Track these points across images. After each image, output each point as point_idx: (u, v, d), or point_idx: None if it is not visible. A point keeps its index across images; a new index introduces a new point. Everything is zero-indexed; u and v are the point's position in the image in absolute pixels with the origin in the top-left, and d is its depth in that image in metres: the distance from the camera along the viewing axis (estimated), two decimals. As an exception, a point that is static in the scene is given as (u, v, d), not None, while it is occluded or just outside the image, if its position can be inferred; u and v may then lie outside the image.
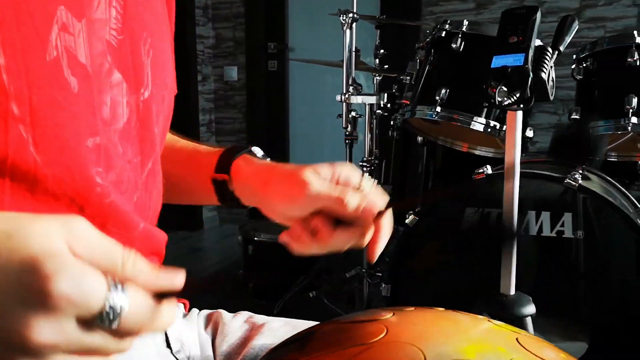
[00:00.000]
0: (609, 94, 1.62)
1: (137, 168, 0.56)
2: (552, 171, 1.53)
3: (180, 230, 3.75)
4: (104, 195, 0.50)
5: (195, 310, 0.69)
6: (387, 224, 0.55)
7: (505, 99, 0.59)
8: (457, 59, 1.66)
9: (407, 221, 1.59)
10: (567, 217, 1.45)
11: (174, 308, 0.38)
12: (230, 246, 3.48)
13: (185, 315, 0.68)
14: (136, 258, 0.36)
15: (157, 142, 0.59)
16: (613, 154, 1.82)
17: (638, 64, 1.52)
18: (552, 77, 0.63)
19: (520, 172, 1.55)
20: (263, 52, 3.94)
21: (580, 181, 1.43)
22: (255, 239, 2.47)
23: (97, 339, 0.33)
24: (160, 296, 0.37)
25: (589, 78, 1.66)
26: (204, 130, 3.99)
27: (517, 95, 0.59)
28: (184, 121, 3.73)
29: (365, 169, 2.15)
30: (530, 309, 0.75)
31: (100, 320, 0.32)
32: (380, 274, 2.11)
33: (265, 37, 3.92)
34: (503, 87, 0.59)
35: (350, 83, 2.07)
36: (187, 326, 0.64)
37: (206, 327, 0.66)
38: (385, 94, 2.03)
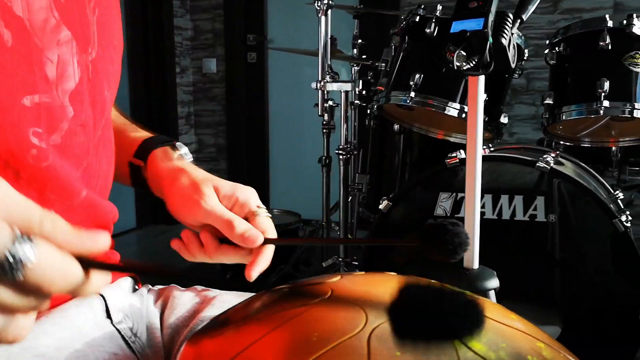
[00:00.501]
0: (582, 78, 1.62)
1: (90, 132, 0.54)
2: (525, 155, 1.53)
3: (159, 224, 3.71)
4: (41, 158, 0.48)
5: (146, 287, 0.67)
6: (268, 253, 0.57)
7: (464, 63, 0.58)
8: (431, 44, 1.66)
9: (380, 207, 1.58)
10: (540, 201, 1.45)
11: (104, 275, 0.36)
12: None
13: (135, 290, 0.65)
14: (56, 218, 0.34)
15: (107, 106, 0.57)
16: (587, 140, 1.83)
17: (610, 47, 1.52)
18: (514, 45, 0.62)
19: (493, 157, 1.55)
20: (242, 44, 3.91)
21: (552, 165, 1.43)
22: (232, 229, 2.45)
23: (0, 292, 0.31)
24: (87, 262, 0.35)
25: (562, 63, 1.66)
26: (183, 123, 3.95)
27: (476, 59, 0.57)
28: (162, 114, 3.68)
29: (341, 157, 2.13)
30: (493, 282, 0.74)
31: (0, 270, 0.30)
32: (356, 263, 2.10)
33: (244, 29, 3.89)
34: (462, 51, 0.57)
35: (326, 70, 2.05)
36: (135, 299, 0.62)
37: (156, 301, 0.64)
38: (361, 81, 2.02)
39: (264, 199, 3.79)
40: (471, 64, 0.58)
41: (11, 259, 0.31)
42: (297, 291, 0.44)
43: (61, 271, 0.33)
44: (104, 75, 0.56)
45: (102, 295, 0.58)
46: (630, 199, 2.13)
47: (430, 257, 0.48)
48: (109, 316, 0.57)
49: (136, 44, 3.57)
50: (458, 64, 0.58)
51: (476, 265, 0.73)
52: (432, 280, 0.48)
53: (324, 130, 2.25)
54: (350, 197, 2.48)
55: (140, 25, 3.56)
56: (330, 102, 2.18)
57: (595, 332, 1.48)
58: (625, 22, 1.53)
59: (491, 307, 0.42)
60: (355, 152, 2.38)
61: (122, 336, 0.56)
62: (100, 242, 0.36)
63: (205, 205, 0.57)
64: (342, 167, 2.15)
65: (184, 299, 0.63)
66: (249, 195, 0.60)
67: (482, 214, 1.47)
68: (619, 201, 1.60)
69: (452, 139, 1.90)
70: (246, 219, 0.58)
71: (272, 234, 0.58)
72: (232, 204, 0.59)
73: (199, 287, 0.67)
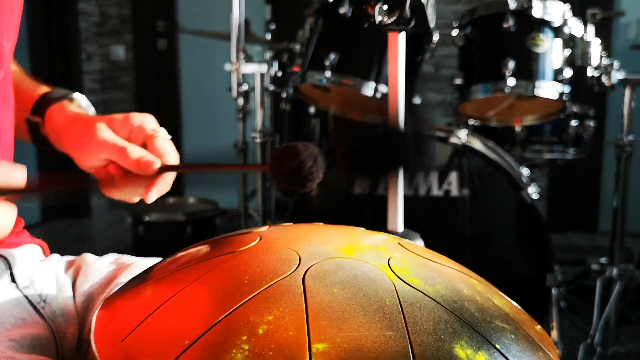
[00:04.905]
0: (488, 58, 1.69)
1: None
2: (438, 132, 1.57)
3: (66, 219, 3.53)
4: None
5: (56, 256, 0.62)
6: (167, 177, 0.56)
7: (385, 18, 0.57)
8: (346, 24, 1.66)
9: (300, 186, 1.57)
10: (454, 176, 1.50)
11: (11, 211, 0.34)
12: (121, 231, 3.32)
13: (42, 261, 0.60)
14: None
15: (6, 58, 0.52)
16: (494, 120, 1.91)
17: (513, 29, 1.60)
18: (432, 4, 0.62)
19: (409, 134, 1.58)
20: (151, 31, 3.77)
21: (464, 141, 1.48)
22: (146, 219, 2.36)
23: None
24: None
25: (469, 44, 1.72)
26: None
27: (397, 14, 0.57)
28: (66, 102, 3.48)
29: (258, 140, 2.11)
30: (419, 244, 0.75)
31: None
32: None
33: (153, 14, 3.75)
34: (382, 6, 0.57)
35: (240, 52, 2.01)
36: (43, 266, 0.57)
37: (67, 270, 0.60)
38: (276, 62, 2.00)
39: (179, 187, 3.69)
40: (392, 19, 0.58)
41: None
42: (223, 241, 0.42)
43: None
44: (2, 25, 0.51)
45: (5, 259, 0.52)
46: (533, 177, 2.25)
47: (282, 185, 0.46)
48: (13, 280, 0.52)
49: (38, 29, 3.36)
50: (380, 18, 0.57)
51: (400, 229, 0.74)
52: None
53: (239, 115, 2.21)
54: (268, 183, 2.46)
55: (42, 9, 3.36)
56: (244, 86, 2.15)
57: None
58: (525, 4, 1.60)
59: (426, 251, 0.42)
60: (271, 139, 2.37)
61: (30, 301, 0.51)
62: (17, 176, 0.35)
63: (97, 137, 0.55)
64: (259, 151, 2.12)
65: (98, 266, 0.59)
66: (143, 119, 0.58)
67: (399, 190, 1.49)
68: (523, 177, 1.68)
69: (367, 121, 1.92)
70: (145, 144, 0.57)
71: (172, 156, 0.57)
72: (128, 132, 0.57)
73: (115, 255, 0.63)
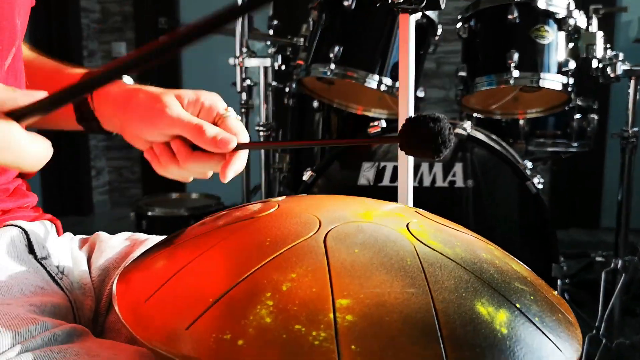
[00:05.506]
0: (493, 50, 1.69)
1: None
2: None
3: (69, 216, 3.52)
4: None
5: (69, 234, 0.62)
6: (243, 155, 0.54)
7: (397, -4, 0.57)
8: (350, 16, 1.66)
9: (304, 178, 1.57)
10: (458, 167, 1.50)
11: (45, 142, 0.35)
12: (124, 227, 3.31)
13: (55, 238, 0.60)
14: None
15: (18, 35, 0.52)
16: (498, 112, 1.91)
17: (517, 21, 1.60)
18: (442, -15, 0.62)
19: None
20: (153, 28, 3.77)
21: (469, 131, 1.48)
22: (149, 214, 2.36)
23: None
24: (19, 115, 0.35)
25: (473, 36, 1.73)
26: (91, 109, 3.76)
27: (409, -7, 0.57)
28: (68, 99, 3.49)
29: (261, 134, 2.11)
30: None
31: None
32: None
33: (155, 11, 3.75)
34: (395, -16, 0.57)
35: (244, 46, 2.01)
36: (58, 242, 0.58)
37: (81, 247, 0.60)
38: (280, 56, 2.00)
39: (181, 183, 3.70)
40: (404, -2, 0.58)
41: None
42: (241, 210, 0.42)
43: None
44: (16, 2, 0.51)
45: (23, 230, 0.53)
46: (537, 171, 2.25)
47: (413, 153, 0.46)
48: (32, 251, 0.52)
49: (39, 26, 3.37)
50: (391, -2, 0.57)
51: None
52: None
53: (243, 110, 2.21)
54: (271, 178, 2.46)
55: (43, 6, 3.36)
56: (248, 82, 2.15)
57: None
58: (530, -4, 1.61)
59: (442, 219, 0.43)
60: (273, 135, 2.37)
61: (48, 272, 0.51)
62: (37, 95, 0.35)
63: (171, 112, 0.53)
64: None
65: (112, 243, 0.60)
66: (214, 99, 0.57)
67: (404, 182, 1.49)
68: (527, 169, 1.68)
69: (370, 114, 1.93)
70: (215, 124, 0.55)
71: (244, 136, 0.55)
72: (198, 111, 0.56)
73: (128, 233, 0.63)
